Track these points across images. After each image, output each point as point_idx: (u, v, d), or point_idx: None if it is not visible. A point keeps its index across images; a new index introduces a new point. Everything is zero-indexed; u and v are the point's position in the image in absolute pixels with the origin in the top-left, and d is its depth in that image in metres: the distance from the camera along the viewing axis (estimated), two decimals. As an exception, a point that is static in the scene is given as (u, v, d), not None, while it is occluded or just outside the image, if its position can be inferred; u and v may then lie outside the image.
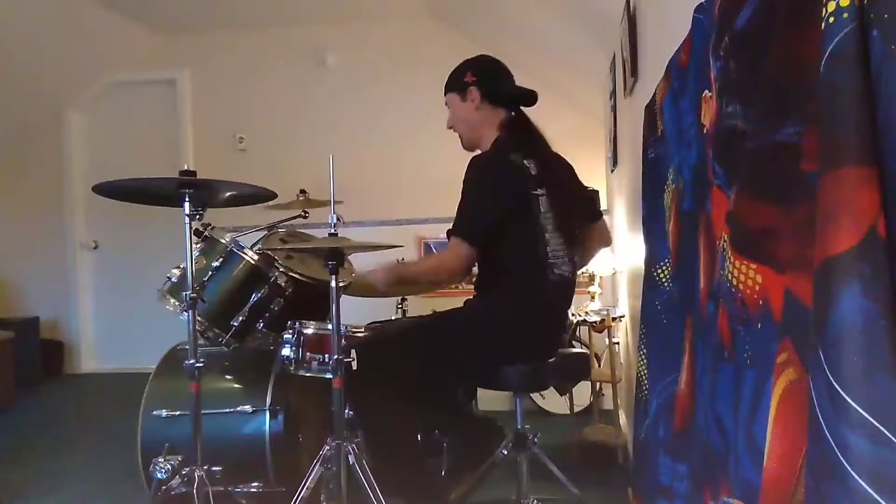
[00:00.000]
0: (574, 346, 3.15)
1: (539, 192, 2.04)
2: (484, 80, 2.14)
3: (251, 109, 5.30)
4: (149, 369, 2.37)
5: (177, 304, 2.13)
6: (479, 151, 2.15)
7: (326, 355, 1.96)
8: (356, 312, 2.76)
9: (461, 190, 2.02)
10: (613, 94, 3.23)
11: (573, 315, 2.92)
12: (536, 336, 2.06)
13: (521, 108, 2.19)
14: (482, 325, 2.03)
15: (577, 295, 2.18)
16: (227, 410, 2.20)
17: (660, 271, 1.53)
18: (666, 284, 1.50)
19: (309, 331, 2.01)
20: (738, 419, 0.84)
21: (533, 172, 2.05)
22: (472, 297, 2.19)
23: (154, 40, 5.29)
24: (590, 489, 2.38)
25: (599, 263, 3.18)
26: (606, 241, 2.40)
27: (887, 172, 0.59)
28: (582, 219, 2.21)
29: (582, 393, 3.33)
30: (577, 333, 3.44)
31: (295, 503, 1.88)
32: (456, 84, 2.16)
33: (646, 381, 1.64)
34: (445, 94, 2.20)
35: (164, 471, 1.91)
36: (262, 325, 2.23)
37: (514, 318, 2.01)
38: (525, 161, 2.05)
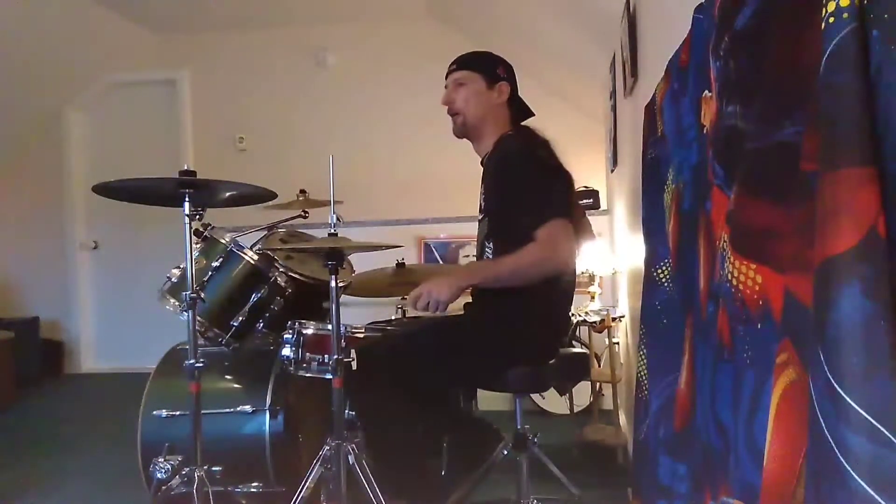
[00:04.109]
0: (574, 346, 3.15)
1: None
2: (512, 80, 2.14)
3: (251, 109, 5.30)
4: (149, 369, 2.37)
5: (177, 304, 2.13)
6: (487, 142, 2.12)
7: (326, 355, 1.96)
8: (356, 313, 2.76)
9: (510, 182, 1.96)
10: (613, 94, 3.23)
11: (573, 315, 2.92)
12: (545, 339, 2.04)
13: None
14: (494, 330, 1.98)
15: (577, 295, 2.17)
16: (227, 410, 2.20)
17: (660, 271, 1.53)
18: (666, 284, 1.49)
19: (309, 331, 2.00)
20: (738, 419, 0.84)
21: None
22: (469, 301, 2.19)
23: (154, 40, 5.30)
24: (590, 489, 2.38)
25: (599, 263, 3.18)
26: (591, 235, 2.39)
27: (887, 172, 0.59)
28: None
29: (582, 393, 3.33)
30: (577, 333, 3.44)
31: (295, 503, 1.88)
32: (486, 69, 2.11)
33: (646, 382, 1.64)
34: (463, 70, 2.12)
35: (164, 471, 1.91)
36: (262, 325, 2.23)
37: (525, 322, 1.98)
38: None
